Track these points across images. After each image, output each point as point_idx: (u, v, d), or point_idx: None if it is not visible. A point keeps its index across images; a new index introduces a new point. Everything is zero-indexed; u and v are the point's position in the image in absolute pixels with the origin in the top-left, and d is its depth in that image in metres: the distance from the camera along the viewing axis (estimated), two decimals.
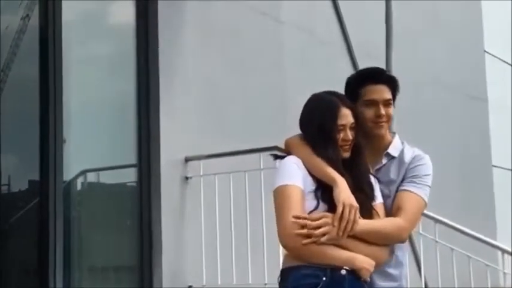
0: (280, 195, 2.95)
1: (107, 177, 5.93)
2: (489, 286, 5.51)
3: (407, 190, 3.16)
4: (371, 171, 3.15)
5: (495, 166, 11.51)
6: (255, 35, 6.91)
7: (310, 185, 2.97)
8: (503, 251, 5.52)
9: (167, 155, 5.83)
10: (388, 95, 3.24)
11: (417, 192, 3.16)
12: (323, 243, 2.87)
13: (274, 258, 4.65)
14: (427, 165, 3.24)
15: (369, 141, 3.23)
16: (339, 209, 2.87)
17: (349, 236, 2.92)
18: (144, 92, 5.86)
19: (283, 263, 3.03)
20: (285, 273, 2.99)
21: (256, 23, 6.92)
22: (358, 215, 2.90)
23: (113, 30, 6.09)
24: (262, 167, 5.49)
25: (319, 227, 2.86)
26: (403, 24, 7.90)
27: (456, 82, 10.29)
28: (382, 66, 6.60)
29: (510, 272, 5.59)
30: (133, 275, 5.78)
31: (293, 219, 2.86)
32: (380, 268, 3.06)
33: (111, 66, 5.99)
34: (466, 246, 5.64)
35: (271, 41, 7.12)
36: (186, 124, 6.00)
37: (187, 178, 5.92)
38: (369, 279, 2.98)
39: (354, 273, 2.93)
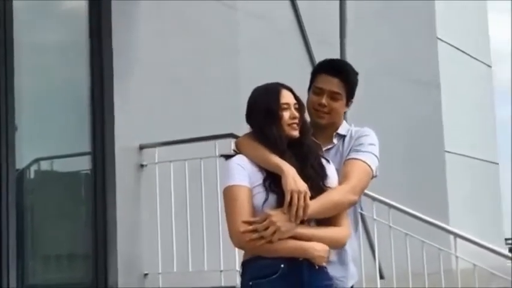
0: (227, 197, 3.01)
1: (61, 165, 5.86)
2: (442, 269, 5.59)
3: (350, 158, 3.24)
4: (322, 152, 3.22)
5: (448, 151, 11.68)
6: (210, 22, 6.88)
7: (259, 178, 3.01)
8: (456, 235, 5.60)
9: (121, 143, 5.79)
10: (336, 88, 3.30)
11: (359, 157, 3.22)
12: (279, 239, 2.92)
13: (230, 245, 4.65)
14: (371, 136, 3.32)
15: (321, 130, 3.32)
16: (287, 197, 2.92)
17: (303, 224, 2.96)
18: (97, 79, 5.80)
19: (243, 256, 3.08)
20: (244, 266, 3.04)
21: (211, 10, 6.89)
22: (308, 199, 2.94)
23: (66, 16, 6.01)
24: (217, 154, 5.48)
25: (267, 227, 2.90)
26: (356, 11, 7.94)
27: (409, 68, 10.39)
28: (337, 53, 6.64)
29: (462, 256, 5.68)
30: (88, 263, 5.74)
31: (243, 228, 2.91)
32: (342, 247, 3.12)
33: (64, 53, 5.91)
34: (420, 231, 5.71)
35: (226, 28, 7.10)
36: (140, 111, 5.96)
37: (142, 166, 5.89)
38: (324, 264, 3.01)
39: (311, 261, 2.97)
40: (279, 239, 2.91)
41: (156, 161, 5.84)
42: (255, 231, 2.91)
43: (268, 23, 7.66)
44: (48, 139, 5.67)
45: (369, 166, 3.22)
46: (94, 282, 5.64)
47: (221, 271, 5.47)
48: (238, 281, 5.38)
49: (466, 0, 13.10)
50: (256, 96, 3.14)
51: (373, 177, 3.27)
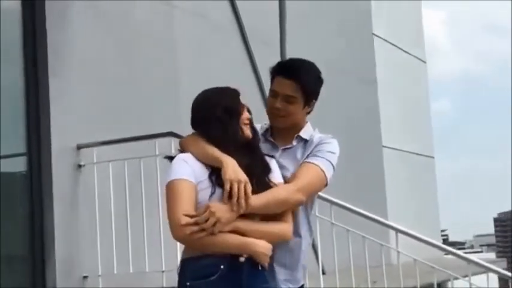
0: (169, 191, 2.97)
1: None
2: (383, 264, 5.64)
3: (305, 161, 3.19)
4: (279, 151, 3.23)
5: (385, 146, 11.83)
6: (147, 20, 6.80)
7: (205, 173, 2.98)
8: (397, 231, 5.66)
9: (58, 143, 5.67)
10: (290, 91, 3.19)
11: (314, 162, 3.17)
12: (220, 232, 2.87)
13: (171, 245, 4.61)
14: (332, 145, 3.27)
15: (282, 130, 3.26)
16: (227, 187, 2.90)
17: (246, 218, 2.93)
18: (32, 79, 5.66)
19: (182, 254, 3.01)
20: (184, 265, 2.98)
21: (148, 7, 6.81)
22: (249, 189, 2.92)
23: None
24: (157, 153, 5.42)
25: (208, 219, 2.86)
26: (294, 9, 7.95)
27: (346, 65, 10.47)
28: (277, 51, 6.63)
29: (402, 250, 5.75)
30: (25, 266, 5.61)
31: (184, 220, 2.86)
32: (285, 243, 3.09)
33: None
34: (360, 226, 5.75)
35: (163, 26, 7.03)
36: (77, 111, 5.84)
37: (80, 166, 5.78)
38: (266, 264, 2.98)
39: (253, 260, 2.94)
40: (220, 232, 2.87)
41: (95, 161, 5.74)
42: (195, 224, 2.86)
43: (206, 20, 7.61)
44: None
45: (323, 172, 3.17)
46: (32, 285, 5.52)
47: (163, 271, 5.41)
48: None
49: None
50: (212, 95, 3.11)
51: (326, 184, 3.21)
